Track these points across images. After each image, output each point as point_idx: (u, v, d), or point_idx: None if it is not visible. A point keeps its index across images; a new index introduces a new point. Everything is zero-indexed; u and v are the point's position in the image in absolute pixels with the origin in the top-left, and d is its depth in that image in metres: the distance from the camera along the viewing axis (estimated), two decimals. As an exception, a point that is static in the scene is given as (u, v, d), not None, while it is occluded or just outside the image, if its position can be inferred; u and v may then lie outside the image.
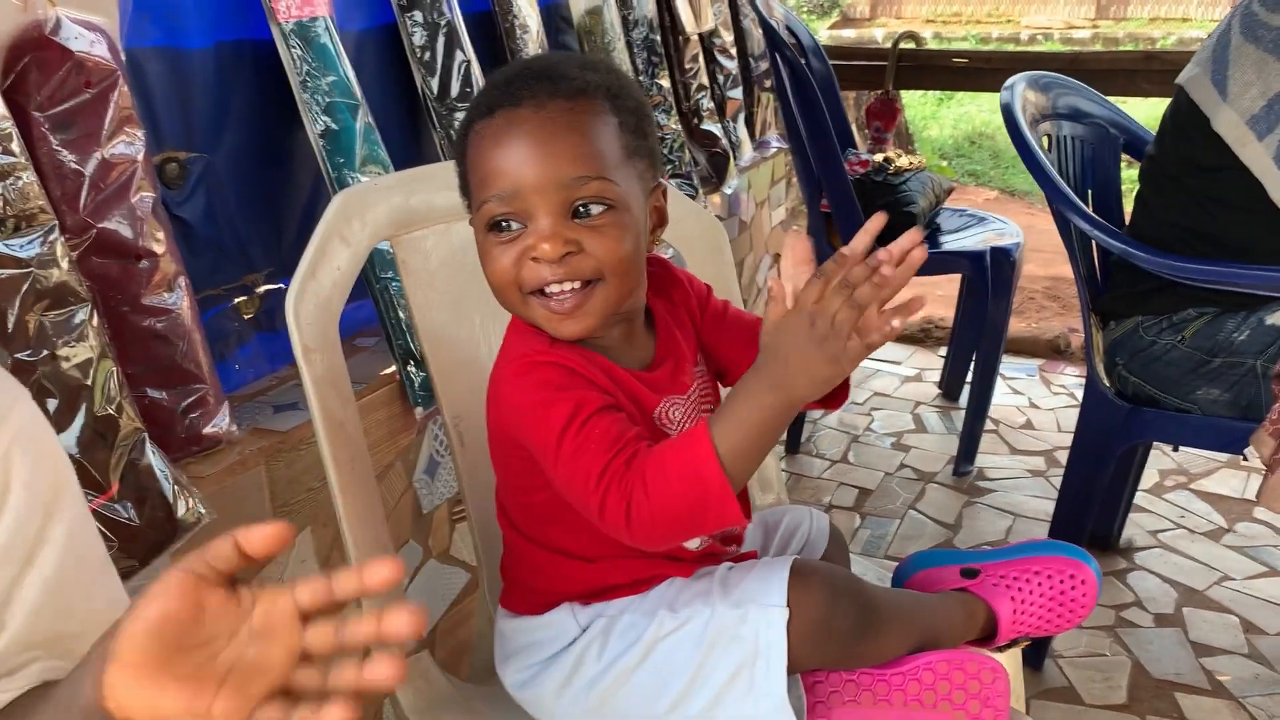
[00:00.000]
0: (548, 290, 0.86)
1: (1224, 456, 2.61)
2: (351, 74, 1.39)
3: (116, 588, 0.68)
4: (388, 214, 1.04)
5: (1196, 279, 1.60)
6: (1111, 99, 2.10)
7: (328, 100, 1.35)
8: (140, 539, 1.01)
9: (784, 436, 2.78)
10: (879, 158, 2.69)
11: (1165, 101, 1.77)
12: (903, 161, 2.67)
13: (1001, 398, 3.03)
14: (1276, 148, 1.55)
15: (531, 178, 0.85)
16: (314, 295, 0.95)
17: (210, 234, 1.31)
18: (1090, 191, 1.99)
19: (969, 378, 2.78)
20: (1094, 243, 1.83)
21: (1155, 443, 2.34)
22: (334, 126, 1.35)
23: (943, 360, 3.20)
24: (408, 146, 1.61)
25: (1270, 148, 1.55)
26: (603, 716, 0.94)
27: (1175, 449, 2.66)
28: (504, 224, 0.87)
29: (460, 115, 1.57)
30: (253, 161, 1.37)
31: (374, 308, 1.39)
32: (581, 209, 0.85)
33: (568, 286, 0.86)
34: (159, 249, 1.11)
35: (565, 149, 0.84)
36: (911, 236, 0.80)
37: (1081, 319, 1.83)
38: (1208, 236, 1.61)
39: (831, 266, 0.79)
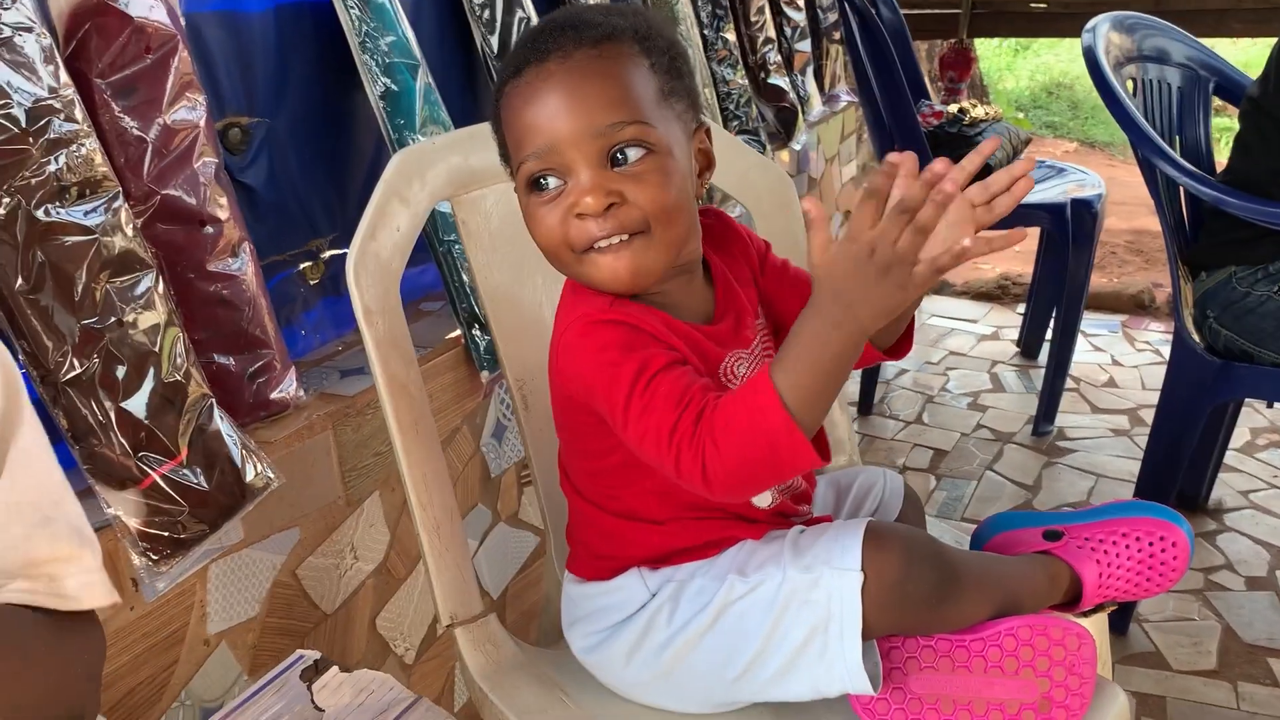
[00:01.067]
0: (598, 246, 0.83)
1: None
2: (410, 34, 1.37)
3: (78, 514, 0.67)
4: (447, 174, 1.02)
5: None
6: (1201, 40, 2.00)
7: (387, 61, 1.34)
8: (210, 504, 1.02)
9: (856, 398, 2.73)
10: (953, 108, 2.61)
11: (1257, 42, 1.67)
12: (978, 112, 2.58)
13: (1083, 355, 2.94)
14: None
15: (565, 130, 0.82)
16: (374, 257, 0.94)
17: (274, 199, 1.30)
18: (1179, 137, 1.91)
19: (1048, 335, 2.70)
20: (1182, 191, 1.75)
21: (1247, 399, 2.25)
22: (394, 87, 1.34)
23: (1021, 317, 3.11)
24: (468, 106, 1.59)
25: None
26: (672, 681, 0.92)
27: (1270, 405, 2.55)
28: (543, 181, 0.84)
29: (521, 74, 1.55)
30: (315, 125, 1.36)
31: (438, 271, 1.38)
32: (620, 155, 0.82)
33: (616, 240, 0.83)
34: (223, 215, 1.11)
35: (596, 95, 0.82)
36: (1024, 164, 0.74)
37: (1169, 270, 1.75)
38: None
39: (882, 182, 0.72)
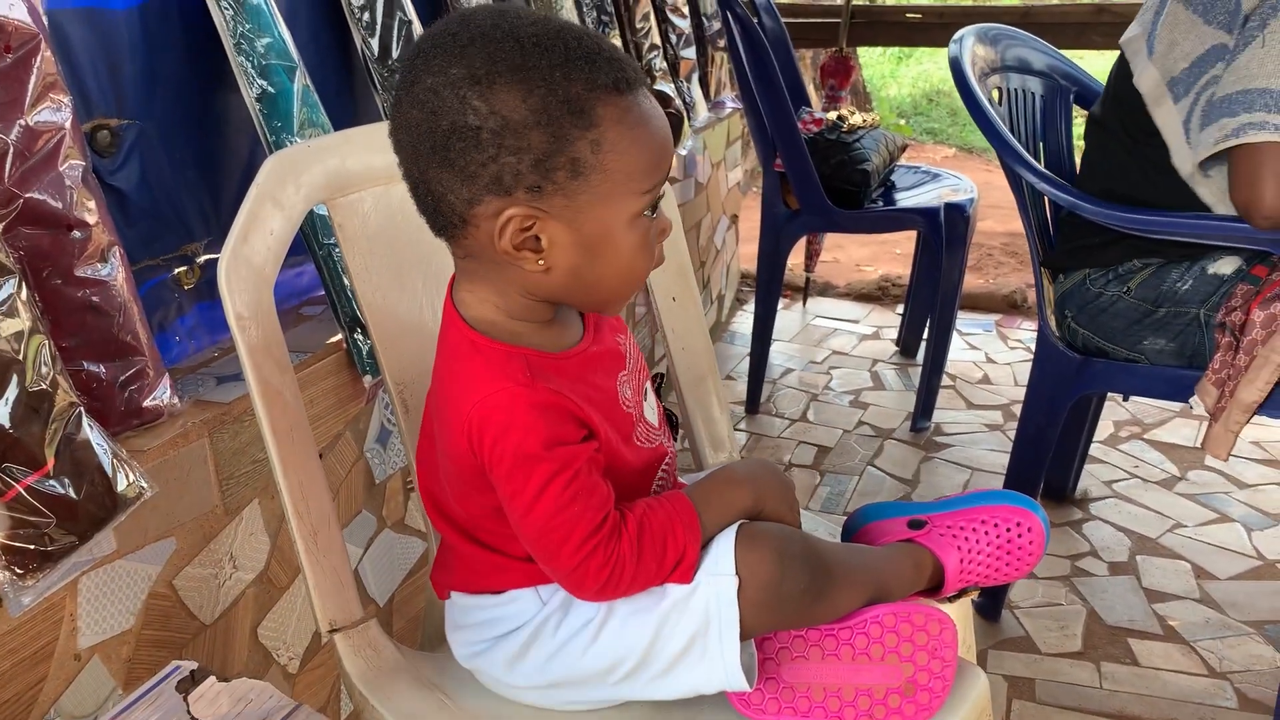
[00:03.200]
0: None
1: (1177, 406, 2.65)
2: (287, 35, 1.36)
3: None
4: (323, 176, 1.01)
5: (1140, 229, 1.60)
6: (1063, 51, 2.10)
7: (264, 63, 1.32)
8: (79, 514, 0.99)
9: (744, 397, 2.78)
10: (832, 116, 2.68)
11: (1115, 54, 1.77)
12: (856, 119, 2.66)
13: (958, 353, 3.05)
14: (1187, 112, 1.55)
15: (671, 159, 0.87)
16: (246, 262, 0.93)
17: (146, 203, 1.28)
18: (1042, 144, 2.00)
19: (926, 334, 2.80)
20: (1045, 197, 1.83)
21: (1109, 394, 2.37)
22: (270, 90, 1.32)
23: (900, 318, 3.21)
24: (347, 109, 1.58)
25: (1183, 111, 1.56)
26: (555, 686, 0.93)
27: (1126, 399, 2.69)
28: (655, 205, 0.86)
29: (402, 77, 1.54)
30: (188, 127, 1.34)
31: (317, 274, 1.36)
32: None
33: None
34: (91, 219, 1.08)
35: None
36: None
37: (1033, 272, 1.84)
38: (1142, 202, 1.62)
39: None
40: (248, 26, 1.30)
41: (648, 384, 1.00)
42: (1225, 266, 1.59)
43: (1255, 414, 1.52)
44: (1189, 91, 1.55)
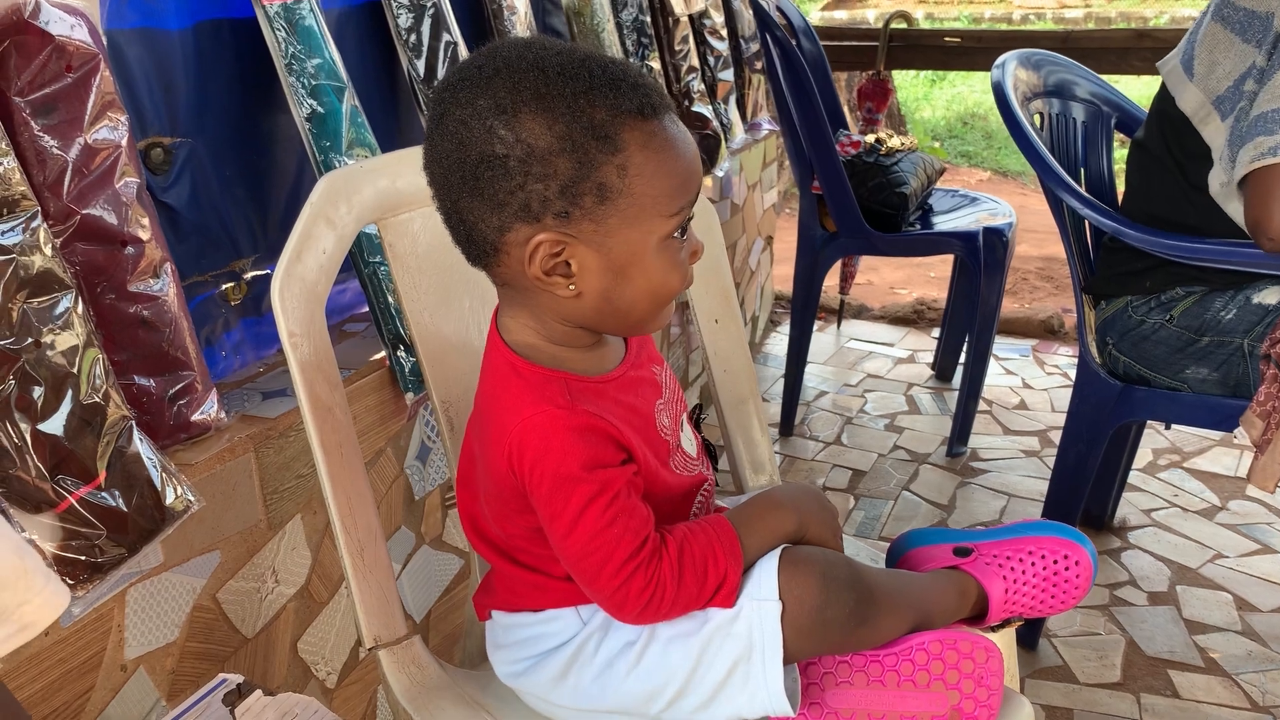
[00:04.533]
0: None
1: (1217, 435, 2.62)
2: (337, 56, 1.38)
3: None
4: (374, 197, 1.02)
5: (1185, 257, 1.59)
6: (1103, 77, 2.10)
7: (314, 83, 1.34)
8: (129, 527, 1.00)
9: (778, 419, 2.77)
10: (870, 139, 2.68)
11: (1156, 79, 1.76)
12: (894, 142, 2.65)
13: (995, 378, 3.03)
14: (1229, 130, 1.54)
15: (700, 182, 0.88)
16: (299, 280, 0.94)
17: (196, 219, 1.29)
18: (1083, 170, 1.99)
19: (962, 359, 2.78)
20: (1087, 222, 1.82)
21: (1148, 421, 2.34)
22: (320, 109, 1.34)
23: (936, 341, 3.20)
24: (394, 129, 1.60)
25: (1227, 129, 1.55)
26: (600, 708, 0.93)
27: (1168, 427, 2.66)
28: (684, 227, 0.87)
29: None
30: (238, 146, 1.36)
31: (360, 291, 1.38)
32: None
33: None
34: (144, 235, 1.10)
35: None
36: None
37: (1075, 298, 1.83)
38: (1185, 227, 1.61)
39: None
40: (299, 47, 1.32)
41: (684, 415, 1.00)
42: (1271, 296, 1.57)
43: (1302, 445, 1.50)
44: (1234, 109, 1.53)
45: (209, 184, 1.31)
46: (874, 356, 3.27)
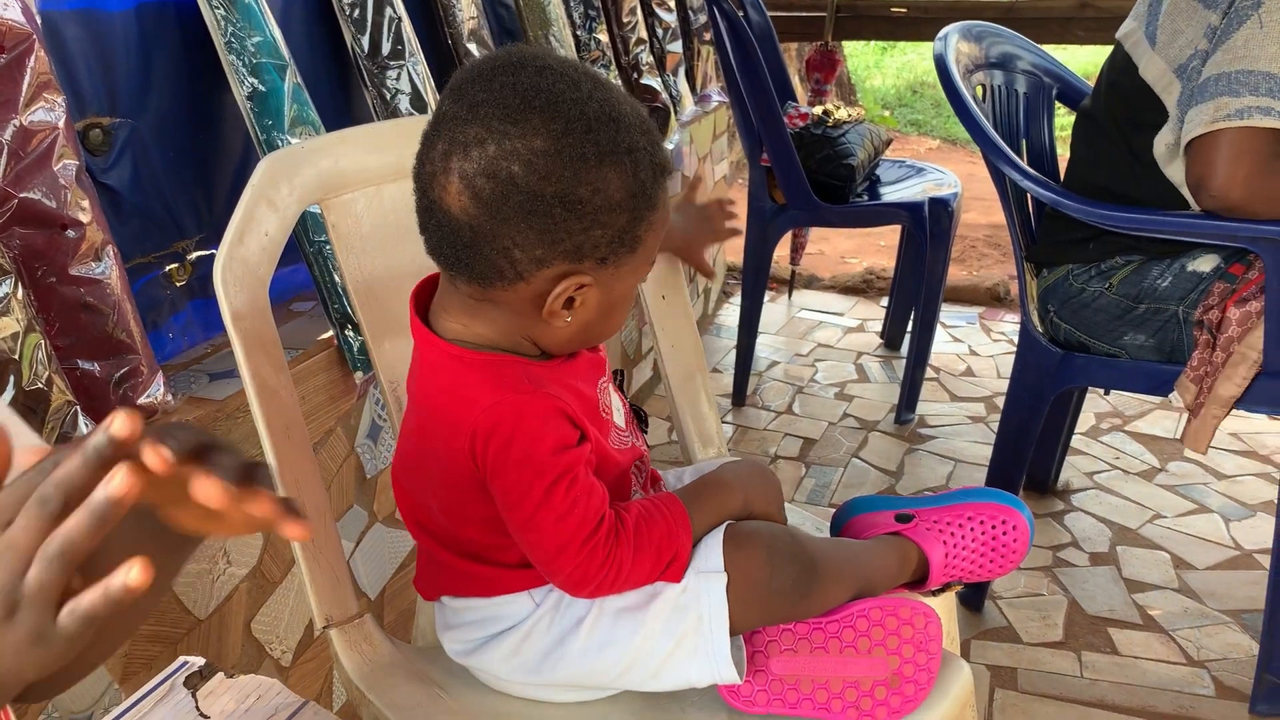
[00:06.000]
0: None
1: (1157, 399, 2.68)
2: (278, 33, 1.36)
3: None
4: (316, 177, 1.02)
5: (1123, 226, 1.63)
6: (1046, 47, 2.12)
7: (254, 61, 1.33)
8: (76, 512, 1.00)
9: (730, 390, 2.80)
10: (818, 110, 2.69)
11: (1099, 50, 1.78)
12: (841, 114, 2.67)
13: (942, 346, 3.08)
14: (1180, 89, 1.56)
15: None
16: (242, 262, 0.94)
17: (138, 201, 1.28)
18: (1025, 141, 2.02)
19: (910, 327, 2.82)
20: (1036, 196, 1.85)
21: (1089, 387, 2.39)
22: (261, 88, 1.33)
23: (884, 310, 3.24)
24: (338, 107, 1.59)
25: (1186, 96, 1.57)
26: (551, 684, 0.95)
27: (1106, 393, 2.72)
28: None
29: (393, 73, 1.55)
30: (180, 126, 1.34)
31: (308, 271, 1.37)
32: None
33: None
34: (84, 217, 1.09)
35: None
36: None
37: (1016, 267, 1.86)
38: (1126, 196, 1.64)
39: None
40: (239, 25, 1.31)
41: (611, 386, 1.01)
42: (1204, 264, 1.61)
43: (1233, 408, 1.55)
44: (1194, 79, 1.55)
45: (151, 165, 1.30)
46: (824, 326, 3.31)
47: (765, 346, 3.12)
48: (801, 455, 2.53)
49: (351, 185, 1.06)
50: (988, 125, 1.72)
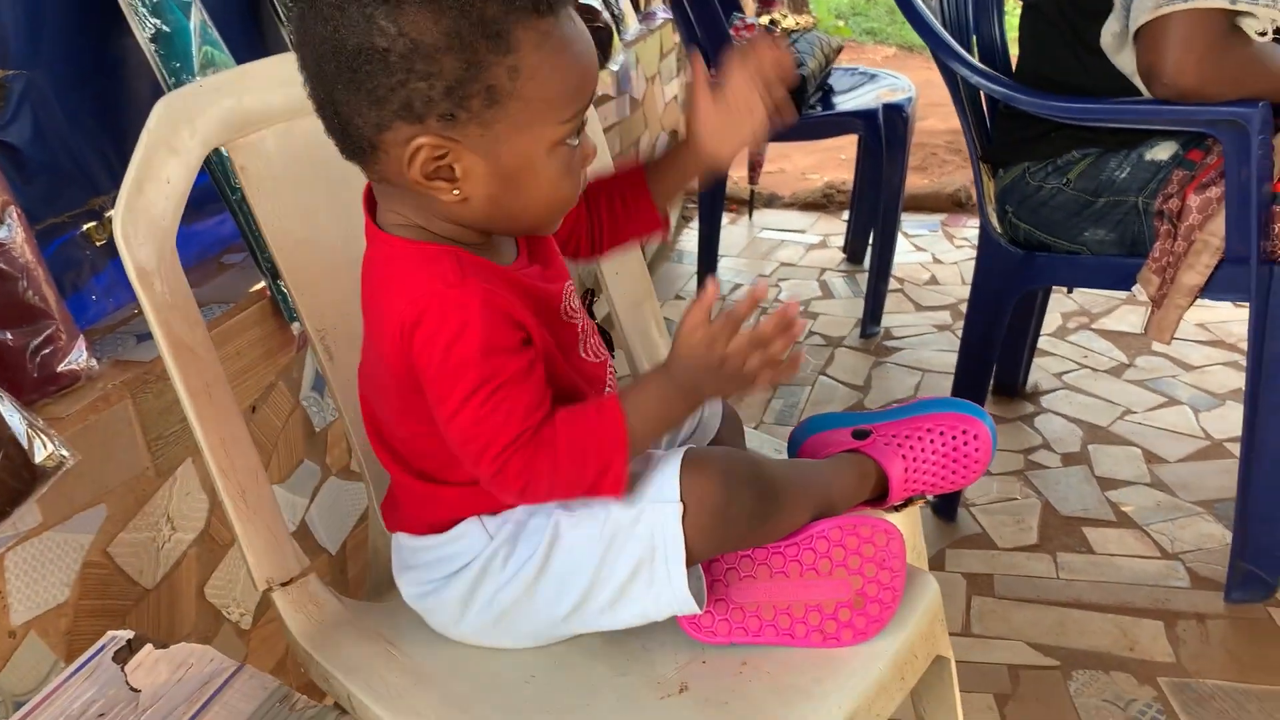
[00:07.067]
0: None
1: (1123, 294, 2.66)
2: (178, -31, 1.28)
3: None
4: (220, 117, 0.96)
5: (1077, 118, 1.58)
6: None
7: (154, 1, 1.25)
8: (-5, 489, 0.95)
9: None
10: (765, 20, 2.61)
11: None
12: (789, 22, 2.60)
13: (905, 256, 3.04)
14: None
15: (596, 83, 0.83)
16: (143, 214, 0.88)
17: (43, 158, 1.21)
18: (975, 37, 1.96)
19: (871, 239, 2.78)
20: (982, 91, 1.80)
21: (1054, 286, 2.37)
22: (165, 28, 1.25)
23: (846, 224, 3.19)
24: (251, 42, 1.51)
25: None
26: (505, 624, 0.91)
27: (1070, 291, 2.70)
28: (577, 135, 0.83)
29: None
30: (83, 75, 1.27)
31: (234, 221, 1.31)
32: None
33: None
34: (-21, 178, 1.02)
35: None
36: (782, 309, 0.83)
37: (973, 169, 1.82)
38: (1078, 88, 1.59)
39: (745, 309, 0.82)
40: (133, -38, 1.23)
41: (574, 293, 0.98)
42: (1162, 152, 1.57)
43: (1197, 297, 1.52)
44: None
45: (53, 118, 1.22)
46: (786, 245, 3.26)
47: (728, 270, 3.08)
48: (769, 376, 2.49)
49: (259, 123, 0.99)
50: (934, 21, 1.66)
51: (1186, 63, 1.41)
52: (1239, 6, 1.40)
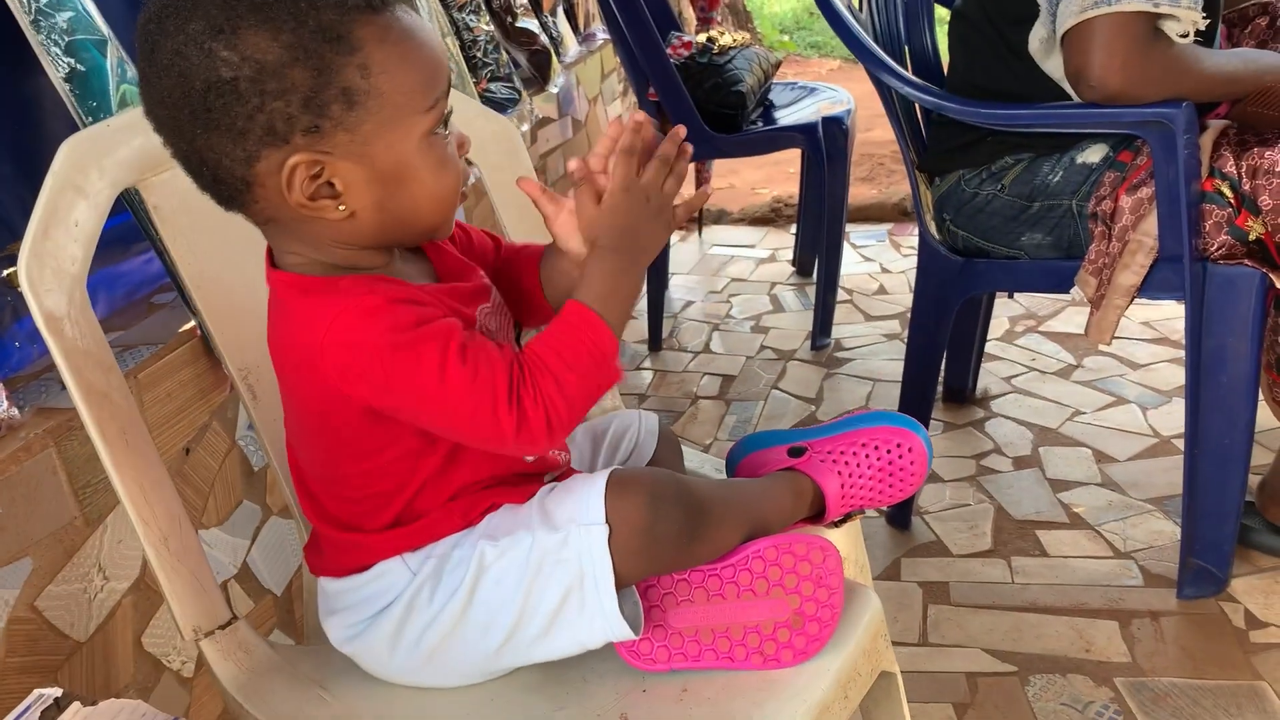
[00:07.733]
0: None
1: (1068, 296, 2.68)
2: (92, 6, 1.26)
3: None
4: (130, 156, 0.94)
5: (1007, 125, 1.59)
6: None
7: (68, 39, 1.23)
8: (-92, 549, 0.92)
9: (645, 336, 2.75)
10: (702, 38, 2.62)
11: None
12: (726, 39, 2.61)
13: (853, 266, 3.05)
14: None
15: (448, 72, 0.83)
16: (51, 258, 0.86)
17: (-44, 204, 1.18)
18: (908, 47, 1.97)
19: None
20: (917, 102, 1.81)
21: (999, 291, 2.38)
22: (80, 67, 1.23)
23: (794, 238, 3.20)
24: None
25: None
26: (437, 662, 0.89)
27: (1012, 295, 2.71)
28: (446, 123, 0.83)
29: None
30: (-5, 118, 1.24)
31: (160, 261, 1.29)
32: None
33: None
34: (-115, 228, 1.00)
35: None
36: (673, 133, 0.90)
37: (909, 178, 1.82)
38: (1007, 94, 1.60)
39: (635, 140, 0.87)
40: (44, 1, 1.20)
41: (510, 326, 0.97)
42: (1093, 155, 1.59)
43: (1135, 297, 1.53)
44: None
45: (-34, 163, 1.20)
46: (737, 260, 3.26)
47: (679, 288, 3.08)
48: (722, 393, 2.49)
49: (170, 162, 0.96)
50: (863, 34, 1.67)
51: (1111, 66, 1.42)
52: (1161, 9, 1.41)
